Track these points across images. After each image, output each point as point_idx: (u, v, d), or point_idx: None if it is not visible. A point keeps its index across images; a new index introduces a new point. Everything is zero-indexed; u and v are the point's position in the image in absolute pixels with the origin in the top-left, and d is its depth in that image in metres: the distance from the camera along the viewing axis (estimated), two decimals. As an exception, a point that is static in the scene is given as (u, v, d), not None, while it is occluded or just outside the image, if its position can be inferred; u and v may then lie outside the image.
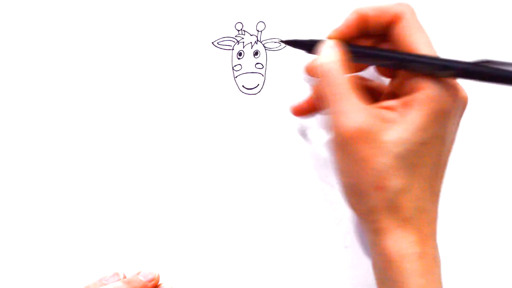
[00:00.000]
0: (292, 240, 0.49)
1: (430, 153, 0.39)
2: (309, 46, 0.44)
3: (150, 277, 0.47)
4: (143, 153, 0.50)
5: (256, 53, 0.50)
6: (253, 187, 0.50)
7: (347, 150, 0.39)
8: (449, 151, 0.41)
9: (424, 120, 0.38)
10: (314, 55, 0.43)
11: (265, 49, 0.50)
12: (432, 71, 0.38)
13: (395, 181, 0.38)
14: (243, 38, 0.50)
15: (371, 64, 0.43)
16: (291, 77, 0.50)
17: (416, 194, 0.39)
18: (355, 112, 0.38)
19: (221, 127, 0.50)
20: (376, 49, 0.43)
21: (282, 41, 0.47)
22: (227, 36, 0.50)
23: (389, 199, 0.38)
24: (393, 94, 0.42)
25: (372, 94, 0.45)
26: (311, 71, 0.45)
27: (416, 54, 0.39)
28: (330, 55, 0.41)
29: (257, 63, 0.50)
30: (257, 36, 0.50)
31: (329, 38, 0.43)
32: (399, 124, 0.38)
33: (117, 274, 0.47)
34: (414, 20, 0.40)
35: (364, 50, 0.42)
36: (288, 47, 0.50)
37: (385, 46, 0.43)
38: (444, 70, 0.38)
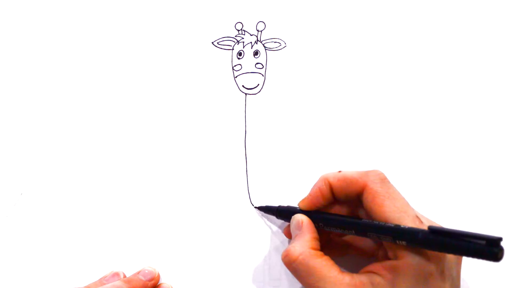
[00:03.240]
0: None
1: None
2: (279, 212, 0.46)
3: (149, 276, 0.47)
4: (142, 152, 0.50)
5: (256, 53, 0.50)
6: (253, 187, 0.50)
7: None
8: None
9: (410, 285, 0.38)
10: (286, 221, 0.46)
11: (265, 49, 0.50)
12: (388, 240, 0.38)
13: None
14: (243, 38, 0.50)
15: (338, 232, 0.43)
16: (291, 77, 0.50)
17: None
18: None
19: (221, 127, 0.50)
20: (338, 218, 0.43)
21: (255, 207, 0.49)
22: (227, 36, 0.50)
23: None
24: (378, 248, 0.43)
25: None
26: (286, 257, 0.43)
27: (373, 223, 0.39)
28: (302, 245, 0.41)
29: (257, 63, 0.50)
30: (257, 36, 0.50)
31: (300, 207, 0.45)
32: None
33: (117, 274, 0.47)
34: (380, 189, 0.40)
35: (329, 219, 0.43)
36: (288, 47, 0.50)
37: (357, 214, 0.43)
38: (399, 239, 0.38)
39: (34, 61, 0.50)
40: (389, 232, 0.38)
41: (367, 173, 0.41)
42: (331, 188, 0.43)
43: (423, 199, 0.49)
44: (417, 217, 0.39)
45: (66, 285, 0.48)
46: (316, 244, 0.42)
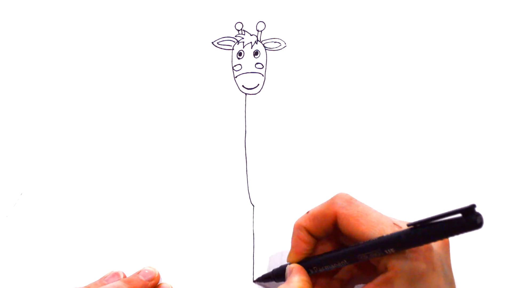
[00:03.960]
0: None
1: None
2: (278, 275, 0.45)
3: (150, 276, 0.47)
4: (143, 152, 0.50)
5: (256, 53, 0.50)
6: (253, 187, 0.50)
7: None
8: None
9: None
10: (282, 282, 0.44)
11: (265, 49, 0.50)
12: (378, 255, 0.38)
13: None
14: (243, 38, 0.50)
15: (333, 268, 0.42)
16: (291, 77, 0.50)
17: None
18: None
19: (221, 127, 0.50)
20: (324, 256, 0.42)
21: (254, 281, 0.48)
22: (227, 36, 0.50)
23: None
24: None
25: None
26: None
27: (358, 245, 0.39)
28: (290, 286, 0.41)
29: (257, 63, 0.50)
30: (257, 36, 0.50)
31: (289, 262, 0.43)
32: None
33: (117, 274, 0.47)
34: (351, 211, 0.40)
35: (316, 261, 0.42)
36: (288, 47, 0.50)
37: (345, 239, 0.43)
38: (386, 249, 0.37)
39: (34, 61, 0.50)
40: (375, 246, 0.38)
41: (332, 201, 0.41)
42: (307, 232, 0.42)
43: (420, 197, 0.49)
44: (394, 224, 0.39)
45: (66, 285, 0.48)
46: (307, 286, 0.41)
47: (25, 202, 0.49)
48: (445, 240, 0.40)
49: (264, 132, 0.50)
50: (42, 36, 0.50)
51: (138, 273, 0.47)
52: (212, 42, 0.50)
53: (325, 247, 0.44)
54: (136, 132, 0.50)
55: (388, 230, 0.38)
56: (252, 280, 0.49)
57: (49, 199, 0.49)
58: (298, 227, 0.43)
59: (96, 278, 0.47)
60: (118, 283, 0.44)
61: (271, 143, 0.50)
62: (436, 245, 0.39)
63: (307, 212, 0.43)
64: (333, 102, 0.50)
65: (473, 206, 0.33)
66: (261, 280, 0.48)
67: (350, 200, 0.41)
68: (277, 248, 0.49)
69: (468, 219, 0.33)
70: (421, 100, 0.50)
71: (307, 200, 0.49)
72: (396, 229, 0.38)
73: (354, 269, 0.45)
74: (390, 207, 0.49)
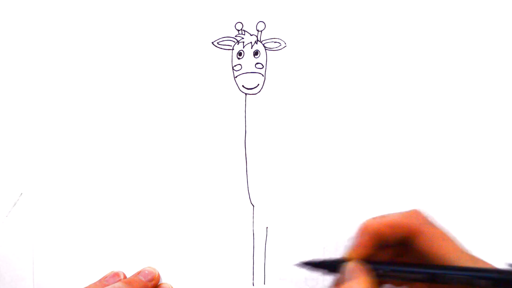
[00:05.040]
0: (295, 240, 0.49)
1: None
2: (330, 266, 0.41)
3: (150, 277, 0.47)
4: (142, 152, 0.50)
5: (256, 53, 0.50)
6: (253, 187, 0.50)
7: None
8: None
9: None
10: (334, 275, 0.41)
11: (265, 49, 0.50)
12: (469, 282, 0.36)
13: None
14: (243, 38, 0.50)
15: (399, 280, 0.39)
16: (291, 77, 0.50)
17: None
18: None
19: (221, 127, 0.50)
20: (402, 265, 0.39)
21: (300, 264, 0.42)
22: (227, 36, 0.50)
23: None
24: None
25: None
26: None
27: (448, 266, 0.37)
28: (359, 284, 0.38)
29: (257, 63, 0.50)
30: (257, 36, 0.50)
31: (348, 259, 0.40)
32: None
33: (117, 274, 0.47)
34: (432, 229, 0.38)
35: (390, 267, 0.39)
36: (288, 47, 0.50)
37: (406, 256, 0.41)
38: (481, 280, 0.35)
39: (34, 61, 0.50)
40: (489, 276, 0.36)
41: (411, 214, 0.39)
42: (375, 235, 0.40)
43: (420, 198, 0.50)
44: (473, 255, 0.37)
45: (66, 285, 0.48)
46: (374, 286, 0.38)
47: (25, 202, 0.49)
48: None
49: (264, 132, 0.50)
50: (42, 36, 0.50)
51: (138, 273, 0.47)
52: (212, 42, 0.50)
53: (383, 258, 0.41)
54: (136, 132, 0.50)
55: (469, 261, 0.37)
56: (251, 282, 0.49)
57: (49, 199, 0.49)
58: (366, 227, 0.40)
59: (96, 278, 0.47)
60: (118, 284, 0.44)
61: (271, 143, 0.50)
62: None
63: (382, 216, 0.40)
64: (333, 102, 0.50)
65: None
66: (308, 264, 0.42)
67: (432, 219, 0.39)
68: (277, 248, 0.49)
69: None
70: (421, 100, 0.50)
71: (307, 200, 0.50)
72: (475, 261, 0.36)
73: None
74: (390, 208, 0.49)
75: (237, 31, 0.50)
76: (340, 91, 0.50)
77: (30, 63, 0.50)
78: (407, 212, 0.40)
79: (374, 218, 0.41)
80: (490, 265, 0.38)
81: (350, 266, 0.40)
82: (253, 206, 0.49)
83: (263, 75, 0.50)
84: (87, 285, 0.46)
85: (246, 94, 0.50)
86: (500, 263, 0.43)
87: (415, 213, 0.40)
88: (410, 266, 0.39)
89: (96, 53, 0.50)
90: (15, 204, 0.49)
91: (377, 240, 0.40)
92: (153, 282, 0.47)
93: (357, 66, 0.50)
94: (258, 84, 0.50)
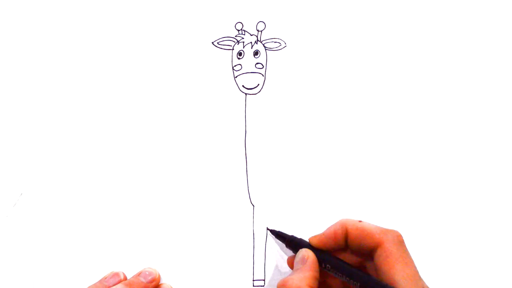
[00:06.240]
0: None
1: None
2: (290, 243, 0.46)
3: (150, 277, 0.47)
4: (143, 152, 0.49)
5: (256, 53, 0.50)
6: (253, 187, 0.50)
7: None
8: None
9: None
10: (293, 251, 0.45)
11: (265, 49, 0.50)
12: None
13: None
14: (243, 38, 0.50)
15: (342, 279, 0.43)
16: (291, 77, 0.50)
17: None
18: None
19: (221, 127, 0.50)
20: (348, 266, 0.42)
21: (268, 229, 0.48)
22: (227, 36, 0.50)
23: None
24: None
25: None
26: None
27: (379, 283, 0.39)
28: (301, 280, 0.41)
29: (257, 63, 0.50)
30: (257, 36, 0.50)
31: (310, 242, 0.44)
32: None
33: (117, 274, 0.47)
34: (394, 250, 0.40)
35: (339, 264, 0.43)
36: (288, 47, 0.50)
37: (369, 267, 0.43)
38: None
39: (34, 61, 0.50)
40: None
41: (386, 231, 0.41)
42: (346, 235, 0.43)
43: (419, 199, 0.50)
44: None
45: (66, 286, 0.48)
46: (314, 283, 0.41)
47: (25, 202, 0.49)
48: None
49: (264, 132, 0.50)
50: (42, 36, 0.50)
51: (139, 274, 0.47)
52: (212, 42, 0.50)
53: (346, 258, 0.44)
54: (136, 132, 0.50)
55: None
56: (251, 282, 0.49)
57: (49, 199, 0.49)
58: (341, 224, 0.43)
59: (96, 278, 0.47)
60: (119, 286, 0.44)
61: (271, 143, 0.50)
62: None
63: (359, 221, 0.43)
64: (333, 102, 0.50)
65: None
66: (275, 233, 0.48)
67: (401, 242, 0.41)
68: (277, 248, 0.49)
69: None
70: (421, 100, 0.50)
71: (307, 200, 0.50)
72: None
73: None
74: (390, 207, 0.49)
75: (237, 31, 0.50)
76: (340, 91, 0.50)
77: (30, 63, 0.50)
78: (386, 229, 0.41)
79: (353, 220, 0.43)
80: None
81: (303, 253, 0.43)
82: (253, 206, 0.49)
83: (263, 75, 0.50)
84: (87, 285, 0.46)
85: (246, 94, 0.50)
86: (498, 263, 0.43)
87: (392, 232, 0.41)
88: (350, 266, 0.42)
89: (96, 53, 0.50)
90: (15, 204, 0.49)
91: (344, 239, 0.43)
92: (153, 283, 0.46)
93: (357, 66, 0.50)
94: (258, 84, 0.50)
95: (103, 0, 0.50)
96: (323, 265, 0.43)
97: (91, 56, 0.50)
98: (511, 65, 0.51)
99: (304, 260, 0.43)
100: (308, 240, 0.44)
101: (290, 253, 0.47)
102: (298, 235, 0.46)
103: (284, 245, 0.47)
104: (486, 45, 0.51)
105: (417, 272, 0.40)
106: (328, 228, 0.44)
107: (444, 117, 0.50)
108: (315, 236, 0.44)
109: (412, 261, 0.40)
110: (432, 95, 0.50)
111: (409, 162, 0.50)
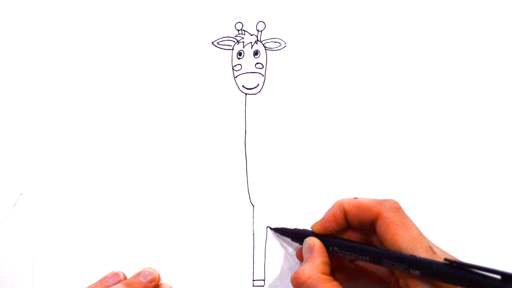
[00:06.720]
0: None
1: None
2: (294, 235, 0.47)
3: (150, 277, 0.47)
4: (143, 152, 0.50)
5: (256, 53, 0.50)
6: (253, 187, 0.50)
7: None
8: None
9: None
10: (299, 243, 0.46)
11: (265, 49, 0.50)
12: (403, 270, 0.38)
13: None
14: (243, 38, 0.50)
15: (351, 258, 0.43)
16: (291, 77, 0.50)
17: None
18: None
19: (221, 127, 0.50)
20: (353, 244, 0.43)
21: (270, 228, 0.49)
22: (227, 36, 0.50)
23: None
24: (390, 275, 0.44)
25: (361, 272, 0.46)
26: (295, 280, 0.42)
27: (388, 252, 0.39)
28: (312, 268, 0.41)
29: (257, 63, 0.50)
30: (257, 36, 0.50)
31: (312, 230, 0.45)
32: None
33: (117, 274, 0.47)
34: (394, 217, 0.40)
35: (343, 244, 0.43)
36: (288, 47, 0.50)
37: (372, 240, 0.44)
38: (413, 269, 0.37)
39: (34, 61, 0.50)
40: (404, 261, 0.38)
41: (382, 201, 0.42)
42: (345, 214, 0.43)
43: (419, 198, 0.50)
44: (430, 247, 0.39)
45: (66, 286, 0.48)
46: (326, 268, 0.42)
47: (25, 202, 0.49)
48: None
49: (264, 132, 0.50)
50: (43, 36, 0.50)
51: (138, 274, 0.47)
52: (212, 42, 0.50)
53: (351, 237, 0.44)
54: (136, 132, 0.50)
55: (422, 252, 0.38)
56: (251, 282, 0.49)
57: (49, 199, 0.49)
58: (338, 205, 0.44)
59: (96, 278, 0.47)
60: (119, 286, 0.44)
61: (271, 143, 0.50)
62: None
63: (355, 198, 0.43)
64: (333, 102, 0.50)
65: None
66: (278, 231, 0.49)
67: (398, 208, 0.41)
68: (277, 247, 0.49)
69: (505, 285, 0.33)
70: (421, 100, 0.50)
71: (307, 200, 0.50)
72: (430, 254, 0.38)
73: (372, 268, 0.45)
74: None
75: (237, 31, 0.50)
76: (340, 91, 0.50)
77: (30, 63, 0.50)
78: (381, 200, 0.42)
79: (348, 198, 0.44)
80: (451, 255, 0.39)
81: (309, 242, 0.44)
82: (253, 206, 0.49)
83: (263, 75, 0.50)
84: (87, 285, 0.46)
85: (246, 94, 0.50)
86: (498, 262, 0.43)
87: (388, 201, 0.42)
88: (356, 243, 0.42)
89: (97, 53, 0.50)
90: (15, 204, 0.49)
91: (344, 218, 0.43)
92: (153, 283, 0.46)
93: (357, 66, 0.50)
94: (258, 84, 0.50)
95: (103, 0, 0.50)
96: (330, 249, 0.43)
97: (91, 56, 0.50)
98: (511, 65, 0.51)
99: (311, 249, 0.43)
100: (311, 229, 0.45)
101: (291, 251, 0.47)
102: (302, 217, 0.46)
103: (284, 245, 0.47)
104: (486, 45, 0.51)
105: (420, 233, 0.40)
106: (327, 212, 0.45)
107: (444, 117, 0.50)
108: (316, 223, 0.45)
109: (413, 224, 0.40)
110: (432, 95, 0.50)
111: (409, 163, 0.50)
